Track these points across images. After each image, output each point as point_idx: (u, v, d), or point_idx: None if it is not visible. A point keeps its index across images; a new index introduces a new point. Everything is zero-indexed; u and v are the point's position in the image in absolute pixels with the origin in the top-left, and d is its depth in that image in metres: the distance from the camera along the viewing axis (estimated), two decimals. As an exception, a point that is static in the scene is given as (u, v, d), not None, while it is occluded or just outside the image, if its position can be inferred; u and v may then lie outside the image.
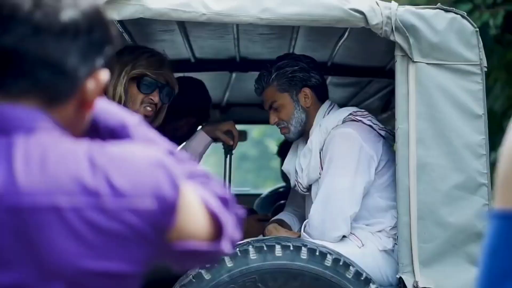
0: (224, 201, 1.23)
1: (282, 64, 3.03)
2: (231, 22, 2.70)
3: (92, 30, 1.14)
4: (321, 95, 3.07)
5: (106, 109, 1.30)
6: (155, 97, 2.84)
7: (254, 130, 15.53)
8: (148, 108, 2.83)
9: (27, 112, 1.10)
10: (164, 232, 1.13)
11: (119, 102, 2.75)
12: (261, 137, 17.55)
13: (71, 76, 1.12)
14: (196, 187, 1.21)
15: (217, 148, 3.88)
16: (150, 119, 2.87)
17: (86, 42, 1.13)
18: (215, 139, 3.26)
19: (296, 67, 3.02)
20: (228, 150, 3.39)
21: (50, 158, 1.08)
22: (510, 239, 0.99)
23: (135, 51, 2.89)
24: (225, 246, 1.21)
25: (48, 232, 1.05)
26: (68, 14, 1.12)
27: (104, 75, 1.17)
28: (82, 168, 1.08)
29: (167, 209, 1.12)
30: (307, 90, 3.02)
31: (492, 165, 2.52)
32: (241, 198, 4.21)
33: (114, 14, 2.58)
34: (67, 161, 1.08)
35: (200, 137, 3.21)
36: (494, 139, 4.58)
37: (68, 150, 1.10)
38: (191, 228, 1.17)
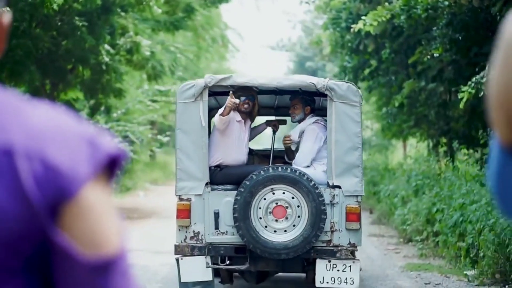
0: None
1: (308, 94, 7.35)
2: (267, 87, 7.18)
3: None
4: (312, 111, 7.46)
5: None
6: (246, 101, 7.26)
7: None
8: (246, 106, 7.21)
9: None
10: (59, 202, 1.01)
11: (233, 108, 7.12)
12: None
13: None
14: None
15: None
16: (249, 114, 7.32)
17: None
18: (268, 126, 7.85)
19: (310, 98, 7.39)
20: (274, 132, 7.88)
21: None
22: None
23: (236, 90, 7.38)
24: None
25: None
26: None
27: (5, 16, 1.12)
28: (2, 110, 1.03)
29: (72, 176, 1.01)
30: (309, 108, 7.42)
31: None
32: (279, 152, 8.69)
33: (227, 83, 7.12)
34: None
35: (263, 124, 7.80)
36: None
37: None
38: (88, 229, 1.02)
